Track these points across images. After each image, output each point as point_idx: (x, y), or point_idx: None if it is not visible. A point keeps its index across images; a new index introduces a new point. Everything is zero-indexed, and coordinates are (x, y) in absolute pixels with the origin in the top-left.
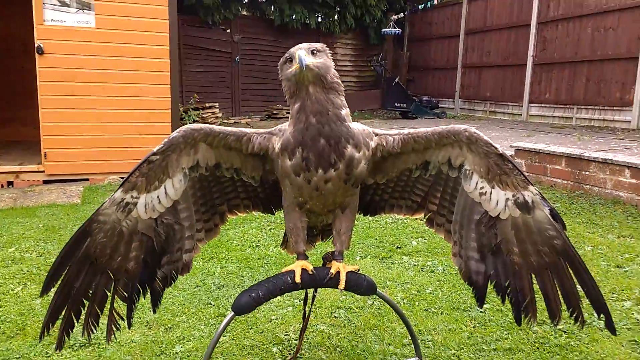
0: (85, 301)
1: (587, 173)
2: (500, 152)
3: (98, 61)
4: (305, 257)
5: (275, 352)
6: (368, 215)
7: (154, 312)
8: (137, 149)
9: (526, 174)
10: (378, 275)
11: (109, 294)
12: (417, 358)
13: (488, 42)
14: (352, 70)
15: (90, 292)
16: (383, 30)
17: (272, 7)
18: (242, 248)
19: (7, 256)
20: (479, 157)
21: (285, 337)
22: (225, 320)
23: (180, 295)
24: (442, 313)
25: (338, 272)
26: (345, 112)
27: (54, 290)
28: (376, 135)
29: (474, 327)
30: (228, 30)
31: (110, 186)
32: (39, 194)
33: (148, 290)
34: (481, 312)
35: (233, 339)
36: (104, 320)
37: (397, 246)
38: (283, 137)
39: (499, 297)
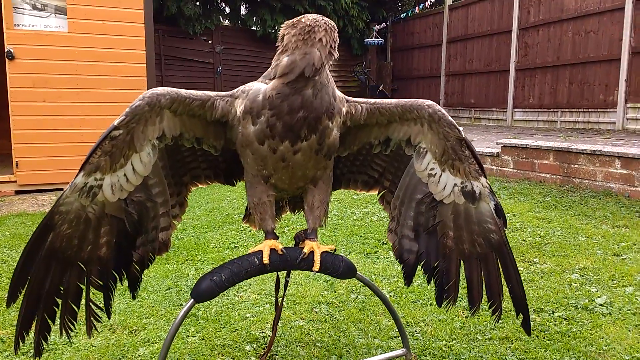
0: (57, 299)
1: (576, 166)
2: (462, 136)
3: (71, 66)
4: (275, 236)
5: (249, 350)
6: None
7: (134, 297)
8: None
9: (514, 171)
10: (363, 270)
11: (82, 286)
12: (404, 350)
13: (470, 50)
14: (336, 80)
15: (62, 288)
16: (366, 40)
17: (254, 18)
18: (220, 250)
19: None
20: (437, 137)
21: (261, 334)
22: (184, 309)
23: (149, 298)
24: (431, 304)
25: (312, 253)
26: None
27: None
28: (347, 101)
29: (466, 317)
30: (210, 41)
31: None
32: (9, 204)
33: (124, 275)
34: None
35: (203, 339)
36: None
37: (383, 242)
38: (249, 97)
39: (425, 276)
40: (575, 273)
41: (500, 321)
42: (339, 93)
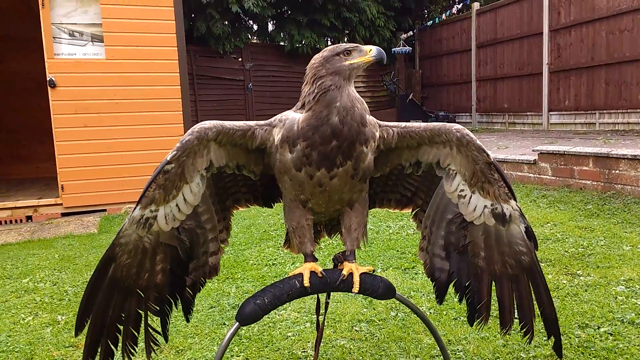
0: (119, 326)
1: (617, 172)
2: (490, 160)
3: (110, 91)
4: (314, 259)
5: None
6: None
7: (187, 320)
8: None
9: (552, 178)
10: (402, 286)
11: (141, 312)
12: None
13: (501, 54)
14: (365, 91)
15: (123, 315)
16: (393, 49)
17: (282, 34)
18: (258, 267)
19: (20, 287)
20: (466, 160)
21: (303, 353)
22: (230, 332)
23: (193, 317)
24: None
25: (351, 274)
26: (368, 115)
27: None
28: (380, 126)
29: (509, 334)
30: (239, 59)
31: (126, 214)
32: (56, 226)
33: (179, 299)
34: (516, 318)
35: (247, 359)
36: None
37: None
38: (285, 127)
39: (457, 295)
40: (620, 285)
41: (545, 339)
42: (371, 117)
